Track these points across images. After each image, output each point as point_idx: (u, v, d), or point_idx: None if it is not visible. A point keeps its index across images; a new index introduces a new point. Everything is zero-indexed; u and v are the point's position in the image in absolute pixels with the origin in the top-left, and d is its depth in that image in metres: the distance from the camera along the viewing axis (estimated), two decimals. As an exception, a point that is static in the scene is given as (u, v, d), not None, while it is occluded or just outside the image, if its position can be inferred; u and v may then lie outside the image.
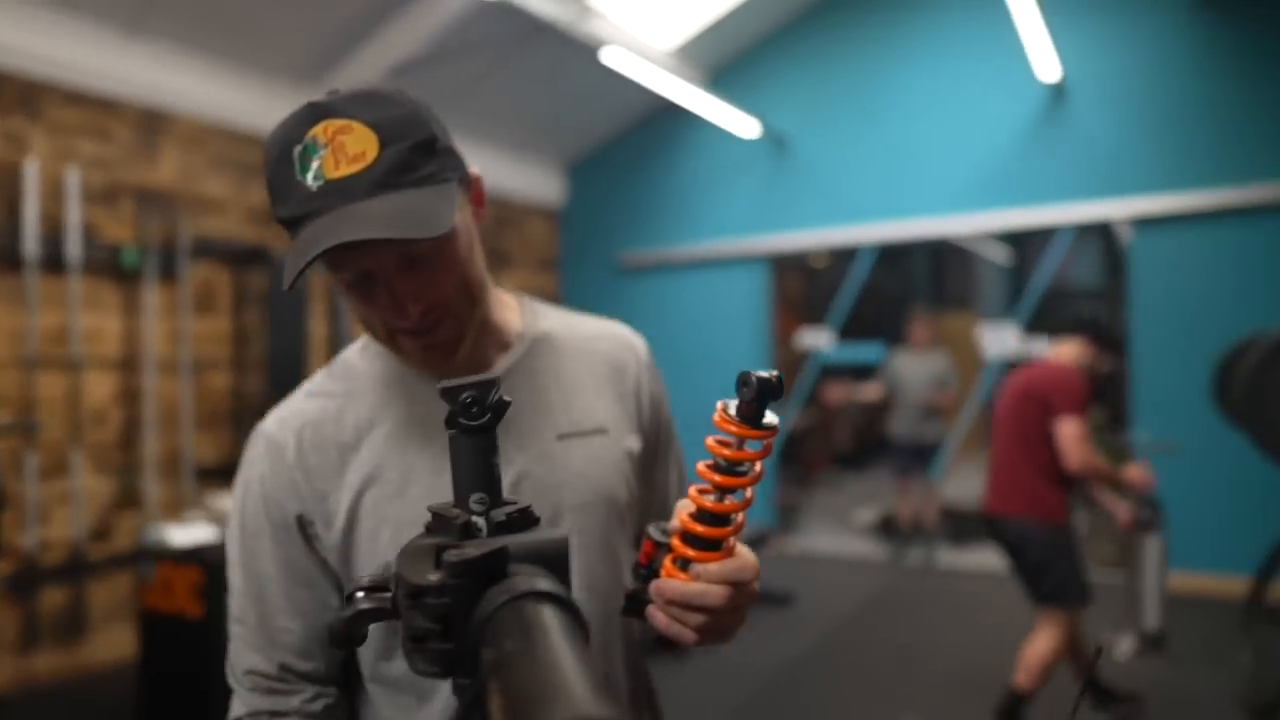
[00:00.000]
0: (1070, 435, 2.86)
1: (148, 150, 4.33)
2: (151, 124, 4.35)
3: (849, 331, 6.92)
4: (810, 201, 6.26)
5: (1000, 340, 5.83)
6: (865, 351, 7.07)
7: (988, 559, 5.42)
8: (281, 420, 0.91)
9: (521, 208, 6.84)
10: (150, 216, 4.26)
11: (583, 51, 5.39)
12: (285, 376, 4.46)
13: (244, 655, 0.89)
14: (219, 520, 3.23)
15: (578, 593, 0.80)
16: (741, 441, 0.70)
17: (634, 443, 0.99)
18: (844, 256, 6.94)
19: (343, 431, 0.90)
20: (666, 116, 6.66)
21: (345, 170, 0.76)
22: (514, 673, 0.42)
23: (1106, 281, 7.48)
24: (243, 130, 4.70)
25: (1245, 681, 3.25)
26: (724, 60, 6.43)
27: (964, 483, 6.94)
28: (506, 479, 0.88)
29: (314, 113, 0.77)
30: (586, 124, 6.72)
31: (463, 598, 0.50)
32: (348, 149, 0.76)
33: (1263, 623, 3.22)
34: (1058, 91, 5.45)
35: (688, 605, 0.71)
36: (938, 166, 5.84)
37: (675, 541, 0.73)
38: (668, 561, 0.73)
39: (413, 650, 0.52)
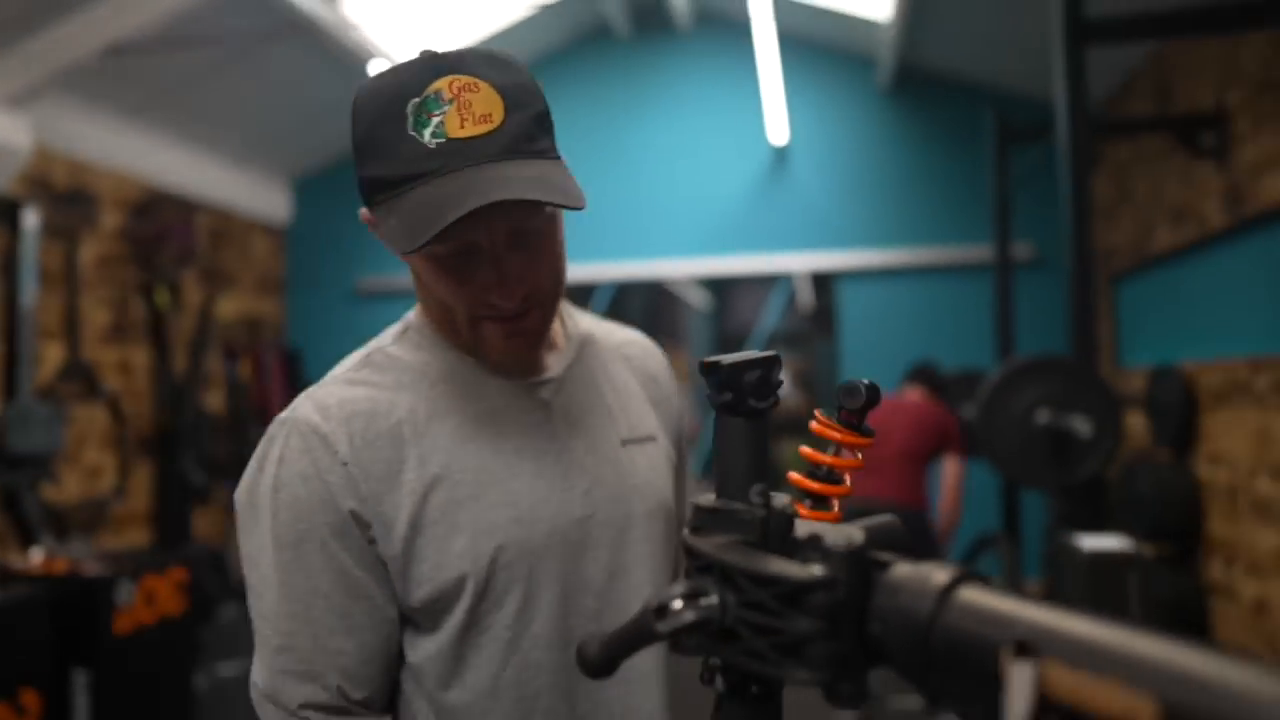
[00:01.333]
0: (958, 474, 3.84)
1: None
2: None
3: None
4: (556, 237, 6.36)
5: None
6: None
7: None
8: (324, 410, 0.79)
9: (244, 222, 6.16)
10: None
11: (326, 60, 5.05)
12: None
13: (295, 689, 0.75)
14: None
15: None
16: (840, 449, 0.70)
17: (672, 452, 0.96)
18: (580, 293, 7.13)
19: (398, 426, 0.79)
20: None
21: (472, 130, 0.69)
22: (1078, 648, 0.37)
23: (817, 325, 8.48)
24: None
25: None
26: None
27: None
28: (582, 484, 0.84)
29: (436, 65, 0.70)
30: (320, 138, 6.26)
31: (854, 591, 0.45)
32: (474, 108, 0.69)
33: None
34: (782, 154, 6.11)
35: None
36: (675, 213, 6.23)
37: None
38: None
39: (779, 656, 0.45)
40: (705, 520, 0.53)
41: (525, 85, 0.74)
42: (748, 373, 0.53)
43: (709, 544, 0.50)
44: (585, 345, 0.93)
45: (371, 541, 0.77)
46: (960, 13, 5.09)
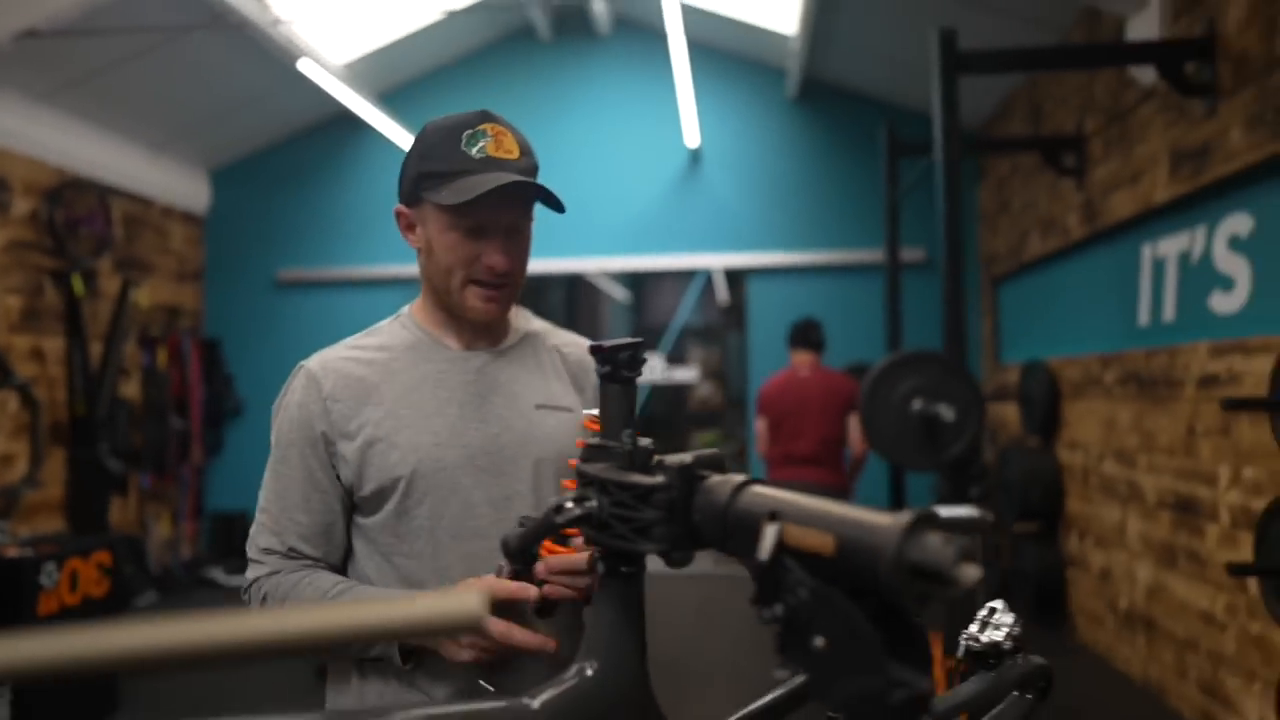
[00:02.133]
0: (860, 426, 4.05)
1: None
2: None
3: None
4: (478, 231, 6.52)
5: (649, 368, 6.63)
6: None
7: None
8: (323, 362, 1.16)
9: (162, 210, 6.12)
10: None
11: (251, 53, 5.09)
12: None
13: (262, 537, 1.13)
14: None
15: None
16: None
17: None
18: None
19: (371, 375, 1.15)
20: (333, 132, 6.48)
21: (504, 154, 1.09)
22: (809, 513, 0.64)
23: (728, 319, 8.84)
24: None
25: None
26: (394, 84, 6.45)
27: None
28: (493, 429, 1.14)
29: (485, 115, 1.11)
30: (241, 129, 6.26)
31: (683, 492, 0.70)
32: (504, 145, 1.10)
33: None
34: (695, 156, 6.41)
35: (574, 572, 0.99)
36: (592, 211, 6.46)
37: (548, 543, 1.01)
38: (549, 543, 1.00)
39: (635, 536, 0.70)
40: (591, 454, 0.78)
41: (527, 144, 1.15)
42: (621, 352, 0.78)
43: (592, 468, 0.75)
44: (528, 336, 1.26)
45: (336, 454, 1.12)
46: (860, 31, 5.47)
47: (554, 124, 6.50)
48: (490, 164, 1.08)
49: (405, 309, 1.24)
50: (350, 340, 1.20)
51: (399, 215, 1.17)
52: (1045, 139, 4.52)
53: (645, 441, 0.78)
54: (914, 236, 5.68)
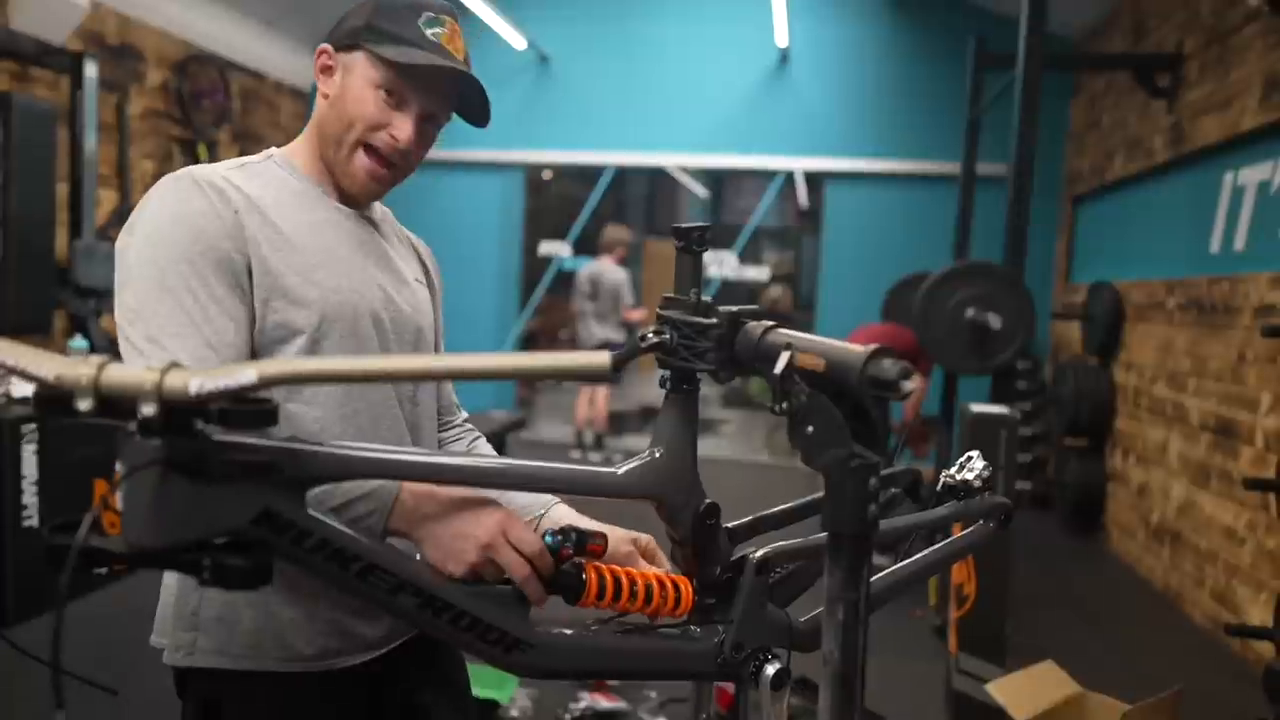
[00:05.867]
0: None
1: None
2: None
3: (582, 245, 7.58)
4: (565, 120, 6.72)
5: (719, 265, 6.85)
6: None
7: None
8: (213, 175, 1.01)
9: (272, 84, 6.49)
10: None
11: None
12: (30, 237, 4.07)
13: (159, 356, 0.91)
14: None
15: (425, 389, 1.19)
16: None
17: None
18: (572, 175, 7.51)
19: (265, 207, 1.03)
20: (432, 14, 6.68)
21: (456, 51, 1.11)
22: (810, 345, 0.92)
23: (800, 223, 8.91)
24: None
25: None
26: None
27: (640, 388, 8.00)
28: (390, 288, 1.15)
29: (449, 9, 1.13)
30: (344, 5, 6.49)
31: (730, 331, 0.99)
32: (456, 43, 1.12)
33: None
34: (784, 56, 6.42)
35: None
36: (677, 106, 6.58)
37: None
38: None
39: (694, 359, 1.00)
40: (667, 303, 1.07)
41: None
42: (693, 232, 1.06)
43: (667, 312, 1.05)
44: (385, 215, 1.24)
45: (239, 279, 0.98)
46: (964, -67, 5.34)
47: (644, 17, 6.56)
48: (440, 51, 1.08)
49: (274, 152, 1.13)
50: (224, 167, 1.06)
51: (321, 53, 1.12)
52: (1141, 56, 4.46)
53: (706, 296, 1.07)
54: (1000, 151, 5.67)
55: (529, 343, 8.96)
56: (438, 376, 0.75)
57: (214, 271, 0.97)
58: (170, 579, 1.09)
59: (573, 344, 10.70)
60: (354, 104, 1.08)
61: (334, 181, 1.13)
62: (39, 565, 2.97)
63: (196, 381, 0.62)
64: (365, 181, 1.11)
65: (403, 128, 1.09)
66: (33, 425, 3.06)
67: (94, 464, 3.31)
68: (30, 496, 3.06)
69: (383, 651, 1.13)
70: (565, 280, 7.95)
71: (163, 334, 0.93)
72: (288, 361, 0.86)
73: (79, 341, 3.72)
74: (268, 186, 1.06)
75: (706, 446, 5.59)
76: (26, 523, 3.04)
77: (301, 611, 1.05)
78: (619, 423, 7.42)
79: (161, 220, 0.97)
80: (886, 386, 0.79)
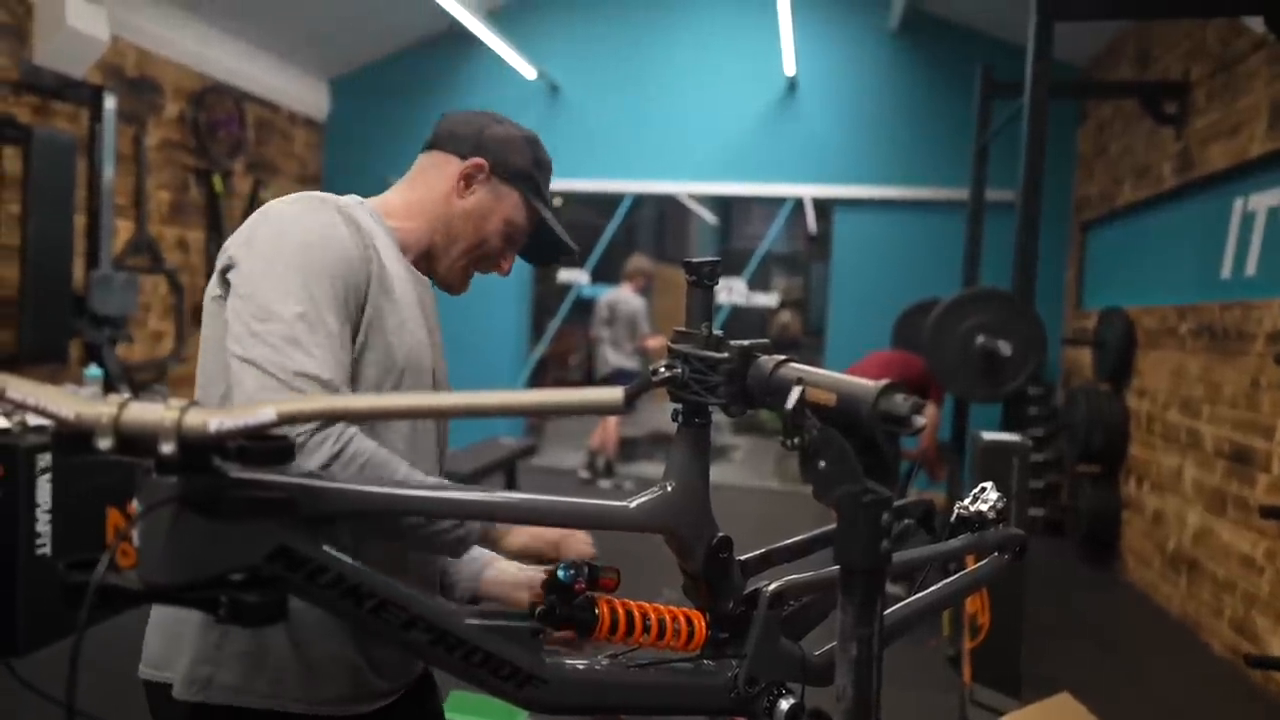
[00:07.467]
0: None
1: None
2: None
3: (600, 273, 7.62)
4: (575, 149, 6.78)
5: (729, 292, 6.87)
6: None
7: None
8: (349, 208, 1.10)
9: (286, 115, 6.58)
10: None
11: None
12: (49, 267, 4.12)
13: (296, 359, 0.96)
14: None
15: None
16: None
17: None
18: (589, 202, 7.58)
19: (380, 249, 1.11)
20: (444, 44, 6.78)
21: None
22: (821, 380, 0.93)
23: (809, 249, 8.94)
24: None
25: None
26: (502, 2, 6.68)
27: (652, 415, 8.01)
28: (438, 347, 1.27)
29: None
30: (357, 39, 6.61)
31: (741, 366, 1.00)
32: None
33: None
34: (792, 84, 6.48)
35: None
36: (687, 134, 6.63)
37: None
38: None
39: (706, 393, 1.01)
40: (679, 337, 1.08)
41: None
42: (705, 266, 1.07)
43: (679, 346, 1.06)
44: None
45: (353, 313, 1.06)
46: (970, -36, 5.40)
47: (656, 46, 6.64)
48: (559, 219, 1.29)
49: (370, 203, 1.20)
50: (341, 201, 1.12)
51: (480, 168, 1.20)
52: (1148, 84, 4.48)
53: (717, 331, 1.08)
54: (1009, 178, 5.69)
55: (541, 367, 8.99)
56: (455, 414, 0.76)
57: (350, 296, 1.04)
58: (180, 613, 1.09)
59: (586, 369, 10.74)
60: (491, 227, 1.23)
61: (426, 260, 1.24)
62: (51, 594, 2.97)
63: (216, 420, 0.63)
64: (455, 290, 1.28)
65: (509, 263, 1.29)
66: (48, 453, 3.08)
67: (108, 492, 3.32)
68: (44, 525, 3.07)
69: (390, 701, 1.17)
70: (583, 307, 8.00)
71: (301, 337, 0.97)
72: (306, 399, 0.88)
73: (94, 370, 3.75)
74: (375, 235, 1.13)
75: (716, 472, 5.50)
76: (40, 551, 3.05)
77: (325, 652, 1.07)
78: (630, 449, 7.42)
79: (312, 235, 1.03)
80: (898, 422, 0.80)
